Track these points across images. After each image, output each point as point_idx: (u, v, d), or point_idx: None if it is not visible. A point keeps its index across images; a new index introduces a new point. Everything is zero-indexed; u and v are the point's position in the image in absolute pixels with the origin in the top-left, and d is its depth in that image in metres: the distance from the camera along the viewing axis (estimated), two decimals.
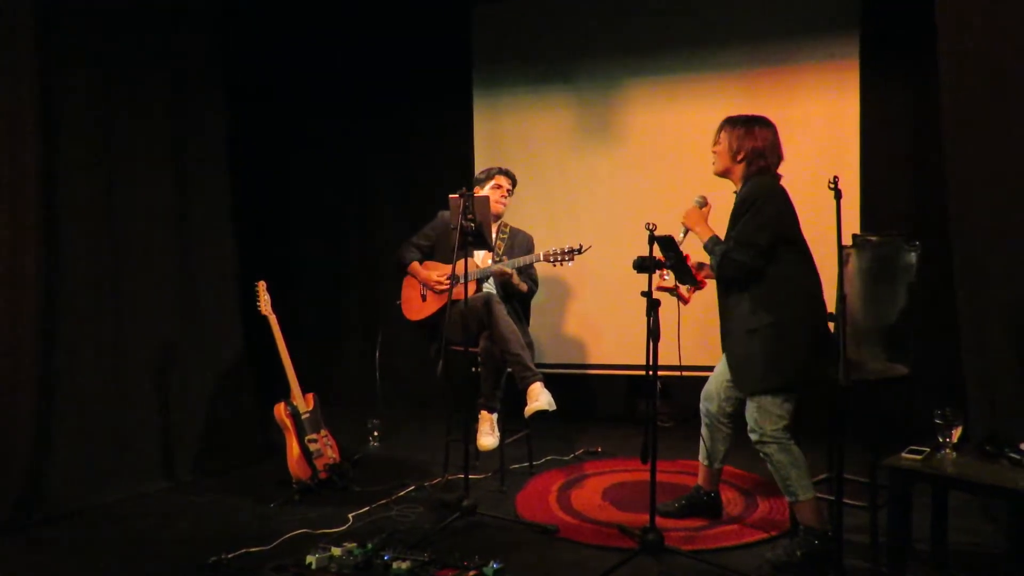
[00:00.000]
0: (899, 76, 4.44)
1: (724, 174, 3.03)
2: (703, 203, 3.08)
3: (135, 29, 3.85)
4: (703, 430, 3.22)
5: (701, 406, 3.21)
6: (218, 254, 4.25)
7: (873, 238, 3.24)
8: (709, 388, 3.20)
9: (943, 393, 3.29)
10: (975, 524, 3.08)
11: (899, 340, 3.04)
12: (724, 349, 3.02)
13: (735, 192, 3.01)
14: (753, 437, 2.89)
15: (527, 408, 3.56)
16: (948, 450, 2.55)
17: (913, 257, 3.14)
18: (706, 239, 2.97)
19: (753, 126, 2.96)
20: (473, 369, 3.90)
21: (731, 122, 3.01)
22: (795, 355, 2.82)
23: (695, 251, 3.03)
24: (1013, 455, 2.44)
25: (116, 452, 3.76)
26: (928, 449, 2.57)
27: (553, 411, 3.57)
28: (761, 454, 2.90)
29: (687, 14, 4.77)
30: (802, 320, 2.85)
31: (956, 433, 2.56)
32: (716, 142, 3.04)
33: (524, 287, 3.95)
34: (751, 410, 2.90)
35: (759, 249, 2.81)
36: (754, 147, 2.93)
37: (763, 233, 2.81)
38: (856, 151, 4.51)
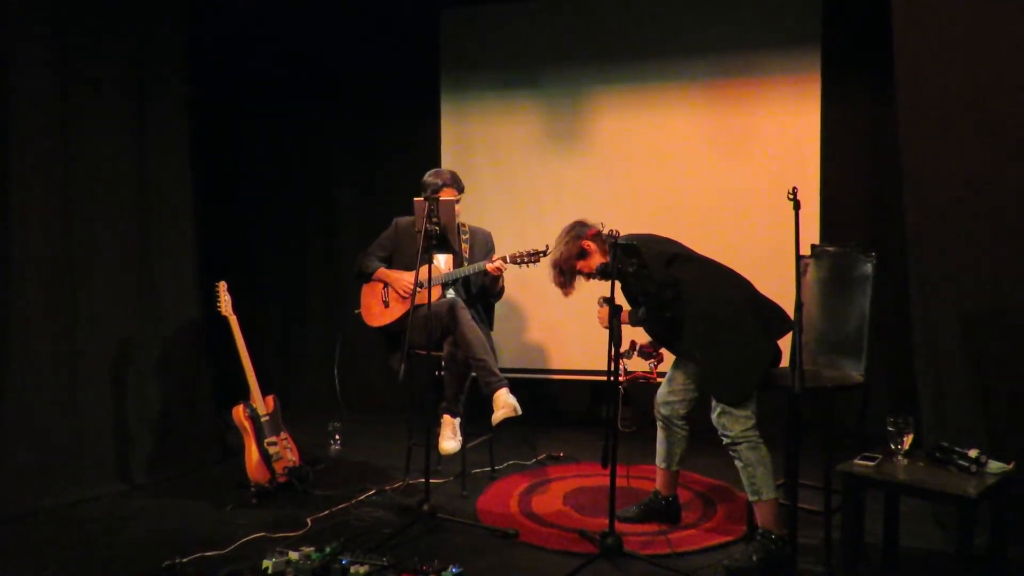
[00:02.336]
0: (859, 90, 4.56)
1: (600, 269, 3.16)
2: (603, 303, 3.16)
3: (94, 29, 3.80)
4: (659, 433, 3.28)
5: (656, 410, 3.27)
6: (178, 254, 4.19)
7: (831, 248, 3.31)
8: (663, 391, 3.26)
9: (896, 401, 3.38)
10: (926, 529, 3.17)
11: (854, 349, 3.11)
12: (697, 368, 3.14)
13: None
14: (725, 440, 2.96)
15: (494, 416, 3.56)
16: (900, 457, 2.62)
17: (869, 268, 3.21)
18: (627, 318, 3.12)
19: (565, 251, 3.19)
20: (436, 373, 3.90)
21: (556, 266, 3.23)
22: (745, 367, 2.93)
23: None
24: (961, 462, 2.51)
25: (69, 453, 3.69)
26: (880, 456, 2.63)
27: (519, 416, 3.58)
28: (731, 453, 2.96)
29: (654, 24, 4.84)
30: (742, 317, 2.97)
31: (907, 440, 2.63)
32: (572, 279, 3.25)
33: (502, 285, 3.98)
34: (717, 416, 2.96)
35: (660, 286, 2.96)
36: (581, 257, 3.19)
37: (654, 280, 2.95)
38: (816, 163, 4.61)
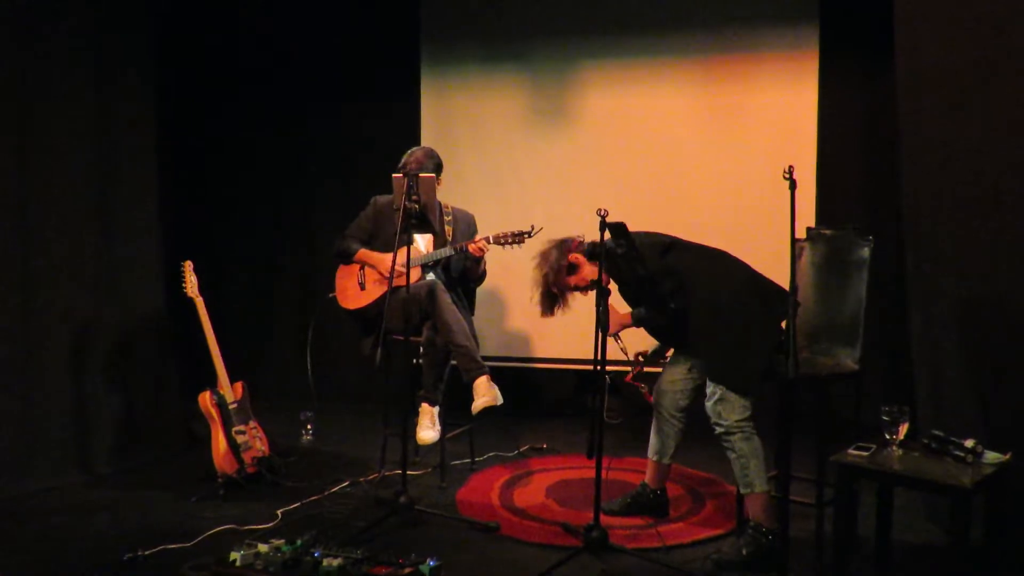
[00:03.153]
0: (858, 69, 4.58)
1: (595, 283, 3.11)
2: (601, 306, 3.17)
3: (59, 11, 3.74)
4: (654, 423, 3.29)
5: (654, 399, 3.28)
6: (142, 232, 4.16)
7: (827, 231, 3.33)
8: (664, 380, 3.27)
9: (892, 389, 3.42)
10: (919, 522, 3.21)
11: (850, 336, 3.13)
12: (697, 357, 3.18)
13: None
14: (718, 429, 2.98)
15: (474, 404, 3.56)
16: (894, 447, 2.65)
17: (867, 252, 3.23)
18: (630, 319, 3.16)
19: (553, 270, 3.20)
20: (414, 361, 3.89)
21: (547, 287, 3.23)
22: (749, 354, 2.95)
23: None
24: (957, 452, 2.54)
25: (26, 443, 3.66)
26: (875, 446, 2.66)
27: (500, 405, 3.58)
28: (724, 444, 2.99)
29: None
30: (740, 298, 3.01)
31: (902, 430, 2.65)
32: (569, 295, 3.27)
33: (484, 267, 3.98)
34: (713, 404, 2.98)
35: (669, 289, 2.99)
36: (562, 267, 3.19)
37: (649, 265, 2.97)
38: (813, 144, 4.63)
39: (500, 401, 3.56)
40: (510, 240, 3.76)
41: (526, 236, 3.74)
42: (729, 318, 3.00)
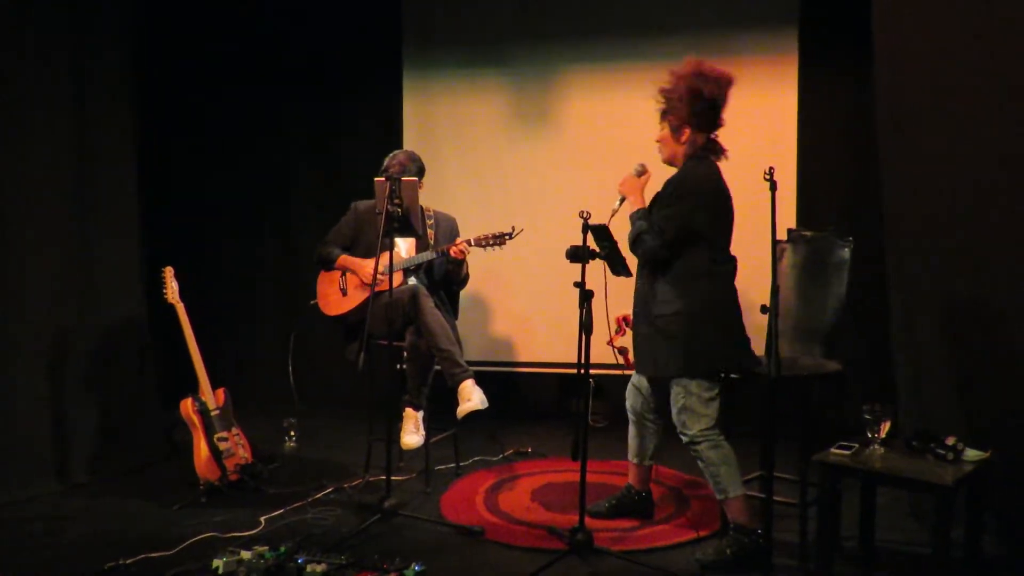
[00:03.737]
0: (837, 73, 4.62)
1: (670, 159, 3.11)
2: (641, 171, 3.16)
3: (35, 13, 3.72)
4: (630, 426, 3.31)
5: (627, 402, 3.29)
6: (121, 237, 4.12)
7: (808, 233, 3.36)
8: (633, 383, 3.28)
9: (874, 389, 3.45)
10: (903, 520, 3.24)
11: (832, 336, 3.16)
12: (633, 330, 3.14)
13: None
14: (684, 439, 2.99)
15: (459, 408, 3.56)
16: (876, 445, 2.67)
17: (847, 253, 3.27)
18: (635, 209, 3.08)
19: (677, 118, 3.01)
20: (398, 366, 3.88)
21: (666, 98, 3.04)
22: (695, 347, 2.93)
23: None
24: (938, 450, 2.57)
25: (2, 451, 3.61)
26: (857, 445, 2.68)
27: (484, 409, 3.58)
28: (692, 453, 2.99)
29: (626, 2, 4.85)
30: (700, 316, 2.94)
31: (885, 428, 2.68)
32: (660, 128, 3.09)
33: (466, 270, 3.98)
34: (678, 413, 2.99)
35: (664, 240, 2.92)
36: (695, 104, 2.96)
37: (671, 225, 2.92)
38: (793, 146, 4.67)
39: (485, 405, 3.56)
40: (491, 242, 3.76)
41: (507, 238, 3.75)
42: (682, 329, 2.94)
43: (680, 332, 2.94)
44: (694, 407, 2.95)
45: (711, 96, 2.98)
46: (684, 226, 2.92)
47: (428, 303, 3.66)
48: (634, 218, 3.05)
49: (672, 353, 2.96)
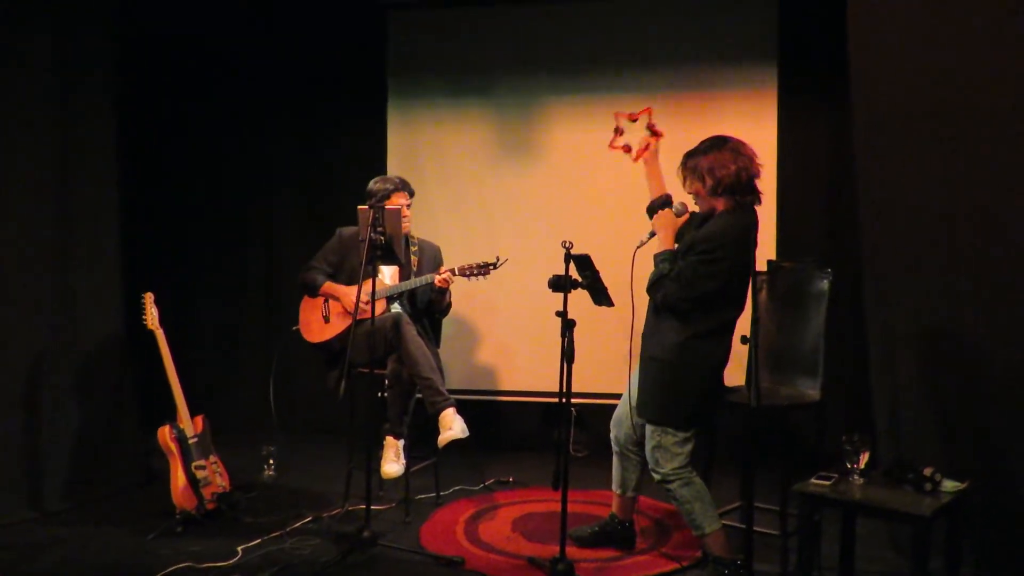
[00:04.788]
0: (815, 107, 4.70)
1: (709, 211, 2.95)
2: (682, 211, 3.03)
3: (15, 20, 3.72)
4: (614, 457, 3.31)
5: (611, 433, 3.29)
6: (101, 261, 4.09)
7: (787, 264, 3.41)
8: (618, 414, 3.28)
9: (854, 419, 3.48)
10: (882, 552, 3.24)
11: (810, 366, 3.19)
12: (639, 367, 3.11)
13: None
14: (656, 477, 3.00)
15: (441, 437, 3.54)
16: (856, 476, 2.69)
17: (826, 284, 3.32)
18: (662, 249, 2.97)
19: (712, 151, 2.89)
20: (379, 394, 3.87)
21: (690, 155, 2.96)
22: (686, 398, 2.93)
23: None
24: (917, 481, 2.59)
25: None
26: (837, 475, 2.70)
27: (465, 438, 3.57)
28: (665, 491, 3.00)
29: (609, 35, 4.92)
30: (703, 369, 2.94)
31: (863, 459, 2.70)
32: (686, 184, 2.98)
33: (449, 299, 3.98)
34: (651, 451, 2.99)
35: (696, 295, 2.83)
36: (726, 175, 2.84)
37: (709, 283, 2.81)
38: (773, 179, 4.73)
39: (466, 434, 3.55)
40: (475, 272, 3.77)
41: (491, 268, 3.76)
42: (676, 378, 2.92)
43: (673, 382, 2.92)
44: (669, 447, 2.94)
45: (748, 174, 2.88)
46: (717, 288, 2.82)
47: (411, 331, 3.66)
48: (658, 259, 2.94)
49: (659, 400, 2.95)
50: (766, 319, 3.32)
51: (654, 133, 3.12)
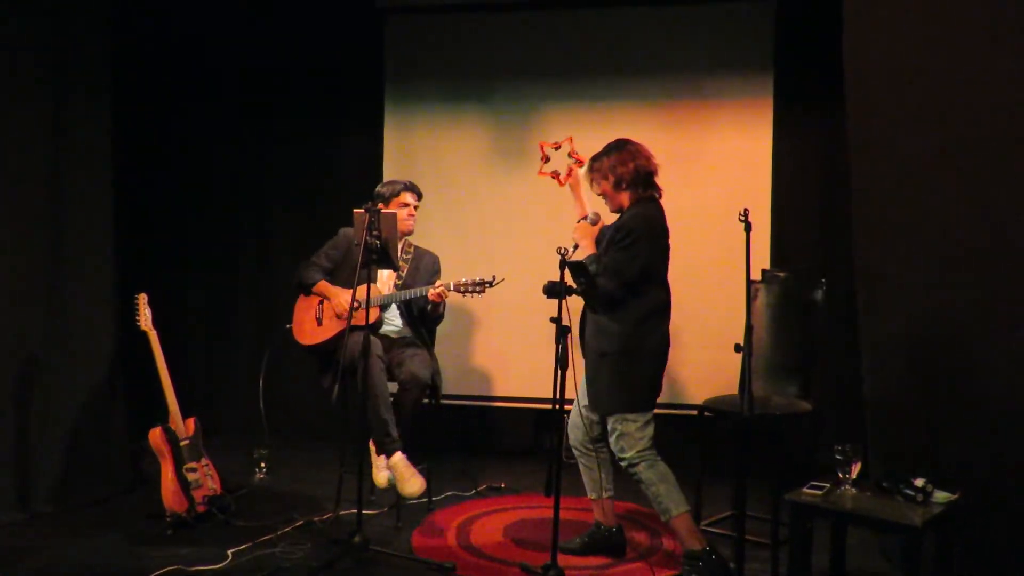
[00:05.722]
0: (811, 117, 4.72)
1: (618, 209, 3.22)
2: (596, 219, 3.29)
3: (10, 22, 3.71)
4: (579, 462, 3.35)
5: (569, 438, 3.35)
6: (94, 261, 4.07)
7: (781, 274, 3.41)
8: (574, 417, 3.33)
9: (845, 429, 3.48)
10: (873, 562, 3.25)
11: (803, 376, 3.20)
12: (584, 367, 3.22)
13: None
14: (623, 463, 3.08)
15: (404, 489, 3.55)
16: (847, 486, 2.69)
17: (820, 294, 3.33)
18: (586, 256, 3.17)
19: (612, 153, 3.20)
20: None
21: (595, 159, 3.25)
22: (641, 383, 3.06)
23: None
24: (908, 491, 2.60)
25: None
26: (828, 485, 2.70)
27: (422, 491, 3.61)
28: (632, 476, 3.07)
29: (607, 43, 4.93)
30: (651, 352, 3.08)
31: (855, 469, 2.71)
32: (593, 186, 3.26)
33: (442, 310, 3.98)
34: (615, 440, 3.07)
35: (625, 280, 3.02)
36: (625, 172, 3.15)
37: (633, 266, 3.02)
38: (767, 188, 4.75)
39: (424, 487, 3.60)
40: (472, 288, 3.72)
41: (487, 285, 3.72)
42: (628, 367, 3.05)
43: (627, 371, 3.05)
44: (631, 433, 3.04)
45: (645, 170, 3.18)
46: (643, 267, 3.03)
47: (376, 366, 3.62)
48: (587, 263, 3.12)
49: (615, 391, 3.07)
50: (759, 327, 3.33)
51: (576, 160, 3.38)
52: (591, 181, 3.24)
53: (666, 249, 3.14)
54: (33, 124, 3.82)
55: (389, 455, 3.58)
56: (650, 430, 3.06)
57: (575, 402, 3.28)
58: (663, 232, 3.13)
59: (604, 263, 3.07)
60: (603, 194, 3.23)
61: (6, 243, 3.72)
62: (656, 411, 3.14)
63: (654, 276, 3.09)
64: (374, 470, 3.67)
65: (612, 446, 3.10)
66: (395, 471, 3.56)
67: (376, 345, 3.67)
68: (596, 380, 3.12)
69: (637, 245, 3.03)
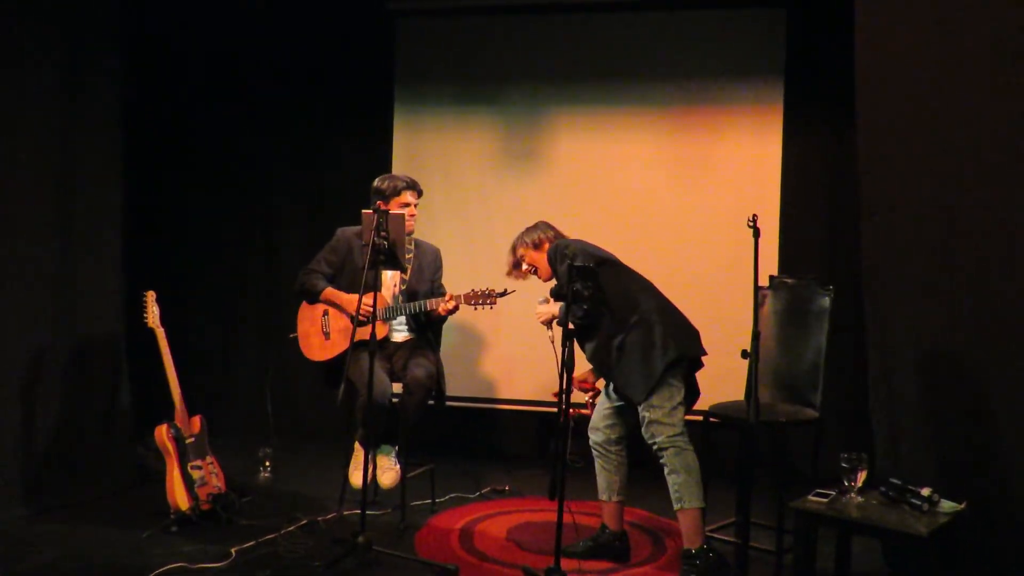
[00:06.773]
0: (822, 124, 4.72)
1: (549, 275, 3.42)
2: (545, 300, 3.40)
3: (24, 24, 3.74)
4: (596, 463, 3.34)
5: (589, 439, 3.34)
6: (103, 259, 4.10)
7: (789, 280, 3.41)
8: (594, 419, 3.33)
9: (851, 437, 3.47)
10: (877, 569, 3.22)
11: (810, 383, 3.19)
12: (606, 379, 3.28)
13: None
14: (654, 447, 3.08)
15: (382, 478, 3.66)
16: (853, 494, 2.69)
17: (827, 301, 3.32)
18: (559, 315, 3.24)
19: (520, 237, 3.51)
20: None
21: (512, 252, 3.52)
22: (661, 347, 3.09)
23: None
24: (914, 500, 2.59)
25: None
26: (834, 493, 2.70)
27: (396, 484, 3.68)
28: (660, 461, 3.07)
29: (617, 47, 4.94)
30: (649, 319, 3.14)
31: (861, 477, 2.70)
32: (525, 268, 3.49)
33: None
34: (646, 427, 3.08)
35: (596, 313, 3.10)
36: (537, 233, 3.50)
37: (596, 299, 3.07)
38: (777, 195, 4.74)
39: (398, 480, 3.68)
40: (482, 301, 3.71)
41: (497, 297, 3.71)
42: (633, 337, 3.11)
43: (640, 348, 3.10)
44: (660, 419, 3.05)
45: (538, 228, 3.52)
46: (601, 297, 3.08)
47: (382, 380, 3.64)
48: (561, 311, 3.18)
49: (633, 378, 3.11)
50: (766, 334, 3.32)
51: (590, 390, 3.48)
52: (521, 266, 3.47)
53: (603, 260, 3.25)
54: (45, 124, 3.85)
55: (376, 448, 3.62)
56: (679, 415, 3.07)
57: (597, 405, 3.31)
58: (585, 250, 3.26)
59: (576, 321, 3.13)
60: (531, 266, 3.45)
61: (16, 240, 3.73)
62: None
63: (622, 294, 3.18)
64: (379, 470, 3.68)
65: (644, 435, 3.11)
66: (377, 462, 3.63)
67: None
68: (626, 370, 3.14)
69: (563, 263, 3.14)
